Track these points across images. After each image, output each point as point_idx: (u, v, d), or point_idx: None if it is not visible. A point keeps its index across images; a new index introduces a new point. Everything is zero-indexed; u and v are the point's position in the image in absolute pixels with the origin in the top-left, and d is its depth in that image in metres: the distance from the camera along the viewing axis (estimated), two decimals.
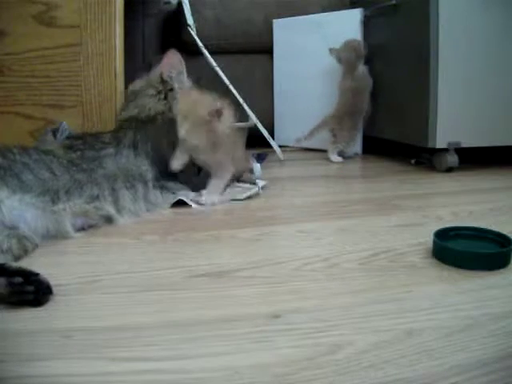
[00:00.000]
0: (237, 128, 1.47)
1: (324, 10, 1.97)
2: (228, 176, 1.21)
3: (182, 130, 1.09)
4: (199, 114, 1.09)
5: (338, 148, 1.77)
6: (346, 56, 1.76)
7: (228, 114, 1.15)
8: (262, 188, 1.29)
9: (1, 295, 0.64)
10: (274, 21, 2.00)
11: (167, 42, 2.04)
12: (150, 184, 1.12)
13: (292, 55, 1.99)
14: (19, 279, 0.65)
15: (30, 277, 0.65)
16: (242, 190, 1.26)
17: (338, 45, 1.81)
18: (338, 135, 1.76)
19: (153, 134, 1.19)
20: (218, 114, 1.09)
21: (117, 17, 1.41)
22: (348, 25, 1.86)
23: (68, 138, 1.19)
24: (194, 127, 1.09)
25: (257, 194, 1.25)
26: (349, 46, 1.76)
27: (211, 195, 1.16)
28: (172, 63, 1.33)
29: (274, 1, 2.02)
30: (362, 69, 1.76)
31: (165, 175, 1.17)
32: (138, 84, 1.33)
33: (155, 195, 1.12)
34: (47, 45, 1.41)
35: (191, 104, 1.11)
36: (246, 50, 2.02)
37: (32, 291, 0.64)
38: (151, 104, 1.26)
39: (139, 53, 1.98)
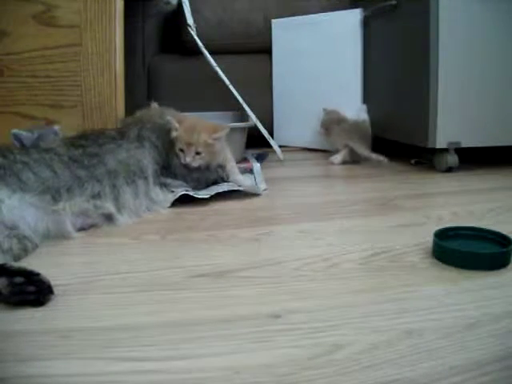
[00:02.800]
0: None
1: (324, 10, 1.97)
2: (234, 163, 1.31)
3: (188, 158, 1.16)
4: (203, 140, 1.17)
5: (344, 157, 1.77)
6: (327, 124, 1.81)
7: (224, 133, 1.23)
8: (264, 190, 1.31)
9: (2, 295, 0.64)
10: (273, 21, 2.00)
11: (167, 42, 2.05)
12: (151, 180, 1.12)
13: (291, 55, 1.99)
14: (20, 279, 0.65)
15: (31, 277, 0.65)
16: (252, 188, 1.29)
17: (336, 44, 1.82)
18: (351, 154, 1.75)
19: (159, 128, 1.22)
20: (218, 139, 1.20)
21: (117, 17, 1.41)
22: (348, 25, 1.86)
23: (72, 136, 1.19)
24: (199, 152, 1.18)
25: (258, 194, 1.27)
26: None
27: (241, 179, 1.26)
28: None
29: (274, 1, 2.02)
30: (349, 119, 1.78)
31: (167, 168, 1.19)
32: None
33: (155, 192, 1.13)
34: (47, 45, 1.42)
35: (192, 131, 1.18)
36: (246, 50, 2.02)
37: (33, 291, 0.64)
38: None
39: (139, 53, 1.98)
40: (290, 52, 1.99)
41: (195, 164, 1.17)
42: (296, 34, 1.96)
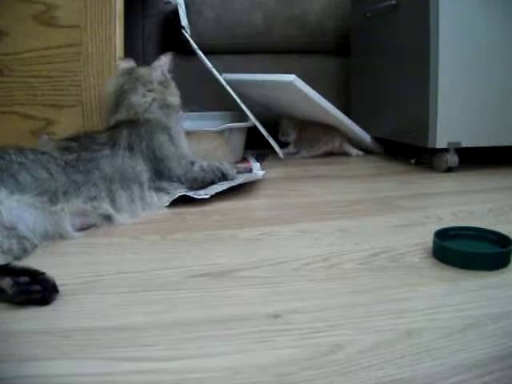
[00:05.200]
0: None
1: (324, 10, 1.97)
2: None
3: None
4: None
5: None
6: None
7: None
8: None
9: (7, 295, 0.64)
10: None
11: (167, 42, 2.04)
12: (146, 185, 1.12)
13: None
14: (26, 279, 0.65)
15: (37, 276, 0.65)
16: (251, 175, 1.34)
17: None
18: None
19: (146, 134, 1.18)
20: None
21: (117, 17, 1.41)
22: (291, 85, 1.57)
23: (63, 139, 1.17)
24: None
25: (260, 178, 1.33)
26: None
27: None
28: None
29: (274, 1, 2.02)
30: None
31: (160, 174, 1.17)
32: (113, 82, 1.28)
33: (151, 196, 1.13)
34: (47, 45, 1.41)
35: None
36: (246, 49, 2.02)
37: (39, 290, 0.64)
38: (139, 102, 1.23)
39: (139, 53, 1.98)
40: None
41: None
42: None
